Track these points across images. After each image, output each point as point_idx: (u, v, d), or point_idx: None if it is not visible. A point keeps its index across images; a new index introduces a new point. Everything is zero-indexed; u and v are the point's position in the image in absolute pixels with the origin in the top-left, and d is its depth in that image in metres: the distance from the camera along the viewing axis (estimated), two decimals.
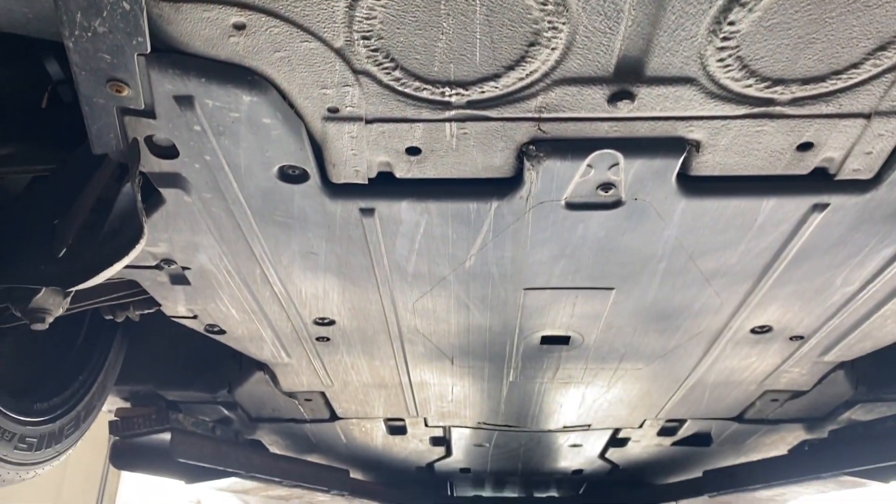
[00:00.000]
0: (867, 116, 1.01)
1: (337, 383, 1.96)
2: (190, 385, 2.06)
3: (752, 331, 1.62)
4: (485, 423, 2.28)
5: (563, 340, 1.68)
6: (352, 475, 2.67)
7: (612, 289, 1.43)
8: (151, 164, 1.07)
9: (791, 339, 1.65)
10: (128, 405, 2.18)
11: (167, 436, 2.09)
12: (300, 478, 2.42)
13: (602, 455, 2.62)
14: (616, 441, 2.46)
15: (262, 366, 1.90)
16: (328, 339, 1.67)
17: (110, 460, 2.20)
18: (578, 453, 2.60)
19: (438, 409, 2.16)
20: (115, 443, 2.20)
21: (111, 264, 1.13)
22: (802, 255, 1.31)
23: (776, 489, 2.38)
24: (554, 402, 2.07)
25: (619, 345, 1.70)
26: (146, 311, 1.57)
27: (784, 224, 1.22)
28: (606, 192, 1.12)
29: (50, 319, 1.37)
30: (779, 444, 2.44)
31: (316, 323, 1.59)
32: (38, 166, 1.29)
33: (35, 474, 1.52)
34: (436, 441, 2.50)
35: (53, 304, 1.36)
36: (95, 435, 6.55)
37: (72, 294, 1.36)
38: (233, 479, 2.29)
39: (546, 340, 1.68)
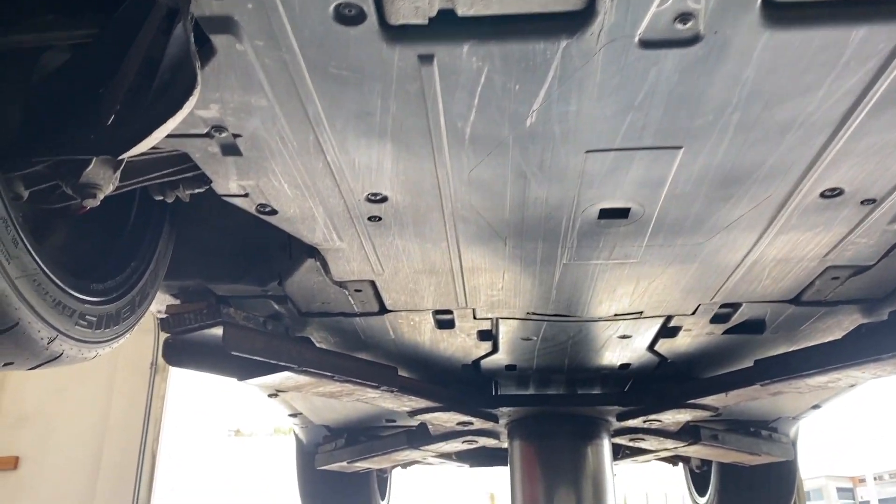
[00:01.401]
0: None
1: (387, 270, 1.93)
2: (240, 278, 2.05)
3: (822, 195, 1.55)
4: (534, 314, 2.25)
5: (623, 214, 1.63)
6: (399, 373, 2.68)
7: (679, 148, 1.36)
8: (202, 4, 1.01)
9: (862, 203, 1.58)
10: (178, 302, 2.18)
11: (219, 331, 2.09)
12: (351, 373, 2.43)
13: (651, 347, 2.59)
14: (666, 331, 2.43)
15: (313, 253, 1.87)
16: (380, 219, 1.64)
17: (164, 356, 2.22)
18: (627, 346, 2.58)
19: (488, 298, 2.13)
20: (167, 339, 2.21)
21: (164, 121, 1.09)
22: (885, 100, 1.23)
23: (831, 374, 2.33)
24: (607, 287, 2.04)
25: (680, 216, 1.65)
26: (197, 191, 1.54)
27: (871, 61, 1.13)
28: (685, 24, 1.05)
29: (101, 195, 1.34)
30: (834, 329, 2.39)
31: (368, 200, 1.55)
32: (80, 32, 1.24)
33: (96, 354, 1.53)
34: (483, 335, 2.49)
35: (104, 178, 1.33)
36: (138, 364, 6.74)
37: (122, 165, 1.33)
38: (284, 375, 2.30)
39: (605, 214, 1.63)
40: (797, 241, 1.80)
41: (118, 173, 1.34)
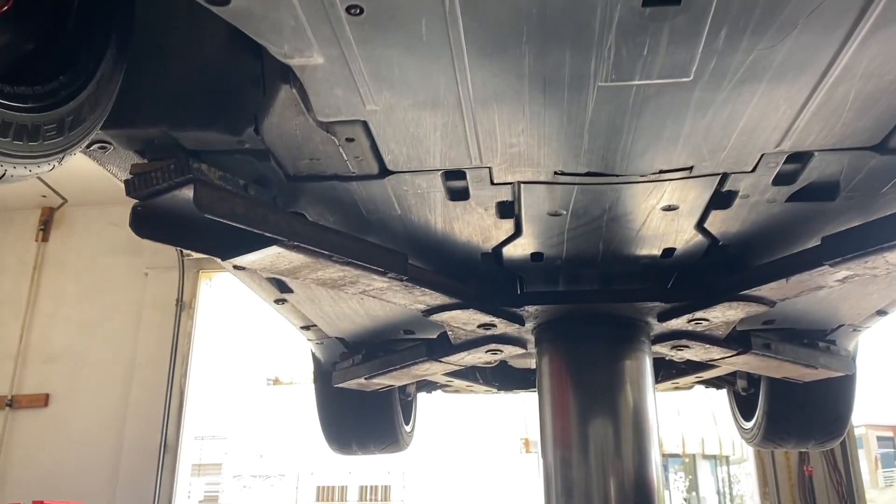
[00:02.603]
0: None
1: (381, 104, 1.59)
2: (210, 123, 1.73)
3: None
4: (563, 173, 1.90)
5: None
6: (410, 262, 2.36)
7: None
8: None
9: None
10: (143, 161, 1.88)
11: (190, 196, 1.78)
12: (353, 255, 2.11)
13: (700, 224, 2.23)
14: (720, 198, 2.06)
15: (287, 76, 1.54)
16: (361, 11, 1.29)
17: (131, 226, 1.91)
18: (672, 222, 2.22)
19: (507, 148, 1.78)
20: (135, 207, 1.91)
21: None
22: None
23: None
24: (652, 126, 1.67)
25: (747, 1, 1.27)
26: None
27: None
28: None
29: None
30: None
31: None
32: None
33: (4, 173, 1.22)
34: (503, 210, 2.14)
35: None
36: (164, 301, 6.52)
37: None
38: (275, 253, 1.99)
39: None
40: (891, 52, 1.41)
41: None
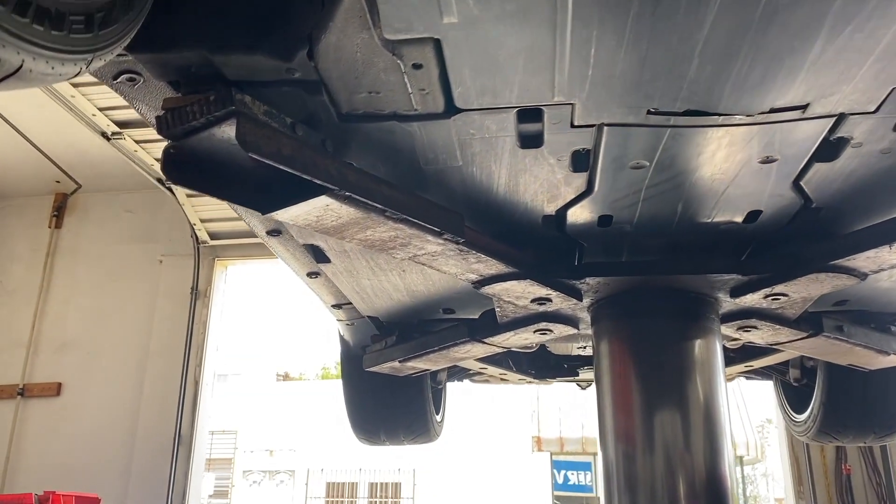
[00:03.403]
0: None
1: (461, 14, 1.35)
2: (256, 46, 1.49)
3: None
4: (658, 111, 1.65)
5: None
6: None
7: None
8: None
9: None
10: (178, 95, 1.65)
11: (232, 133, 1.55)
12: (409, 210, 1.87)
13: (797, 181, 1.98)
14: (827, 149, 1.81)
15: None
16: None
17: (163, 170, 1.68)
18: (765, 178, 1.97)
19: (597, 80, 1.54)
20: (167, 149, 1.67)
21: None
22: None
23: None
24: (776, 47, 1.42)
25: None
26: None
27: None
28: None
29: None
30: None
31: None
32: None
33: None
34: (577, 161, 1.90)
35: None
36: (179, 289, 6.32)
37: None
38: (322, 204, 1.75)
39: None
40: None
41: None
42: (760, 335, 2.96)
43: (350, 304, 3.34)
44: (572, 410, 25.13)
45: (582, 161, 1.90)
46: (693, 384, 2.51)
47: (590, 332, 3.03)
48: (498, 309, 2.78)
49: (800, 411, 4.31)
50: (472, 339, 3.10)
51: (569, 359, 4.34)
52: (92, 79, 5.91)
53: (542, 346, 4.28)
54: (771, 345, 3.12)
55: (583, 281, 2.49)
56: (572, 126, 1.72)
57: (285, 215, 1.82)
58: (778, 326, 2.82)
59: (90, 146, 8.19)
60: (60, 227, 9.68)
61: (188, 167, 1.69)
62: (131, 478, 8.44)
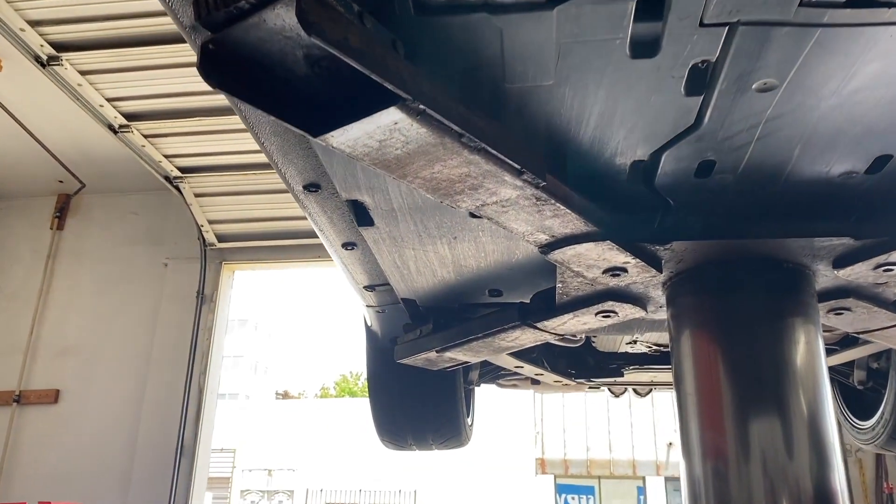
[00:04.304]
0: None
1: None
2: None
3: None
4: (812, 1, 1.34)
5: None
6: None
7: None
8: None
9: None
10: None
11: (288, 19, 1.24)
12: (487, 138, 1.55)
13: None
14: None
15: None
16: None
17: (200, 69, 1.35)
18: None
19: None
20: (205, 44, 1.35)
21: None
22: None
23: None
24: None
25: None
26: None
27: None
28: None
29: None
30: None
31: None
32: None
33: None
34: (694, 81, 1.58)
35: None
36: (185, 294, 5.99)
37: None
38: (389, 126, 1.44)
39: None
40: None
41: None
42: (851, 320, 2.63)
43: (384, 285, 3.02)
44: (577, 431, 24.69)
45: (698, 80, 1.58)
46: (798, 383, 2.14)
47: (656, 317, 2.70)
48: (560, 285, 2.45)
49: (864, 417, 3.95)
50: (522, 323, 2.78)
51: (614, 357, 4.00)
52: (101, 66, 5.62)
53: (587, 342, 3.94)
54: (858, 332, 2.79)
55: (667, 247, 2.16)
56: (701, 24, 1.40)
57: (342, 137, 1.49)
58: (875, 308, 2.49)
59: (96, 143, 7.90)
60: (63, 228, 9.37)
61: (229, 67, 1.37)
62: (130, 490, 8.05)
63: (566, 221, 1.95)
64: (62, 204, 9.34)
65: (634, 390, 5.14)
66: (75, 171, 8.97)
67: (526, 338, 2.93)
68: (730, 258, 2.21)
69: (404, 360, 3.24)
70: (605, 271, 2.24)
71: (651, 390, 5.22)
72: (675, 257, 2.22)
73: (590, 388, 4.84)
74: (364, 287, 3.06)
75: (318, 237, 2.65)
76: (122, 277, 9.01)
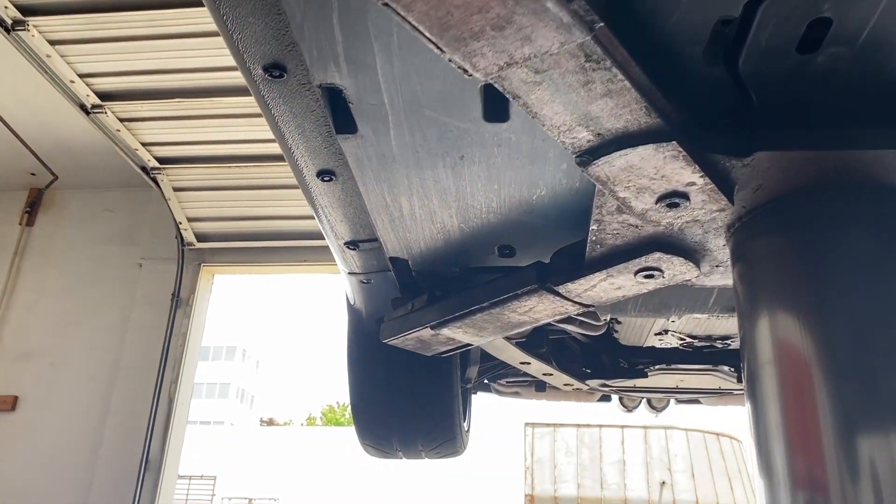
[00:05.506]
0: None
1: None
2: None
3: None
4: None
5: None
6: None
7: None
8: None
9: None
10: None
11: None
12: None
13: None
14: None
15: None
16: None
17: None
18: None
19: None
20: None
21: None
22: None
23: None
24: None
25: None
26: None
27: None
28: None
29: None
30: None
31: None
32: None
33: None
34: None
35: None
36: (158, 296, 5.33)
37: None
38: None
39: None
40: None
41: None
42: None
43: (370, 240, 2.46)
44: (569, 466, 23.98)
45: None
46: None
47: (708, 282, 2.16)
48: (594, 227, 1.91)
49: None
50: (540, 286, 2.23)
51: (638, 352, 3.43)
52: (72, 35, 4.93)
53: (607, 332, 3.37)
54: None
55: (747, 161, 1.61)
56: None
57: None
58: None
59: (67, 128, 7.34)
60: (33, 224, 8.77)
61: None
62: (89, 503, 7.36)
63: (621, 104, 1.40)
64: (33, 199, 8.74)
65: (649, 402, 4.55)
66: (47, 162, 8.40)
67: (542, 309, 2.37)
68: (837, 182, 1.65)
69: (392, 341, 2.67)
70: (661, 198, 1.69)
71: (668, 403, 4.63)
72: (753, 179, 1.67)
73: (601, 396, 4.26)
74: (346, 244, 2.50)
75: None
76: (93, 278, 8.40)
